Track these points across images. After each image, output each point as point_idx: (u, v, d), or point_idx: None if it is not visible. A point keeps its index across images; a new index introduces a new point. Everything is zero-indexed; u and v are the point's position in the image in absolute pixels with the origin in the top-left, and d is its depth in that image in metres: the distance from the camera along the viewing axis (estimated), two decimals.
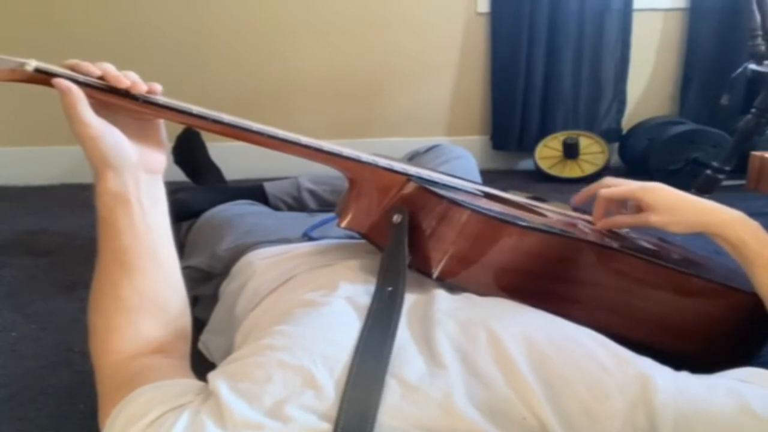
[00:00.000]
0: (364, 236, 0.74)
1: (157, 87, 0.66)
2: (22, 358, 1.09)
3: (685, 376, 0.53)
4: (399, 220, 0.68)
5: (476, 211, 0.66)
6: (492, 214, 0.67)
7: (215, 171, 1.68)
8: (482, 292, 0.65)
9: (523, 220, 0.69)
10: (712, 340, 0.73)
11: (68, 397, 0.96)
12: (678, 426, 0.47)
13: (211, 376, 0.53)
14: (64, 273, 1.43)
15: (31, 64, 0.61)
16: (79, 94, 0.60)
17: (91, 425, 0.92)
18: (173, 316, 0.66)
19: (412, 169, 0.75)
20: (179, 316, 0.67)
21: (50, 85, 0.62)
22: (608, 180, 0.82)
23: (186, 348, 0.67)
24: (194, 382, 0.56)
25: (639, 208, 0.77)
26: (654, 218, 0.74)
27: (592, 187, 0.83)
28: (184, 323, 0.68)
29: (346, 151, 0.74)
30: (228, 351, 0.67)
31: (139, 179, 0.64)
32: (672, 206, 0.74)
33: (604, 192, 0.80)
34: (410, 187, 0.71)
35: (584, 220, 0.85)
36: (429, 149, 1.33)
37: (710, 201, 0.75)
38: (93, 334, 0.64)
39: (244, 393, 0.49)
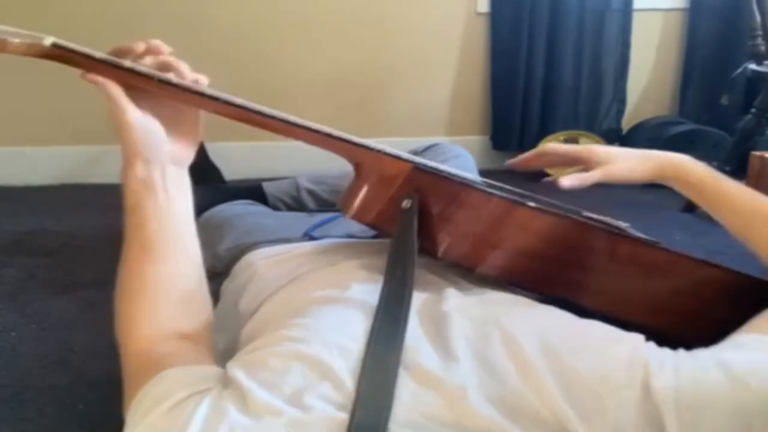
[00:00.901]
0: (371, 225, 0.74)
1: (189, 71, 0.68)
2: (22, 358, 1.09)
3: (682, 355, 0.53)
4: (408, 205, 0.68)
5: (486, 193, 0.67)
6: (502, 195, 0.68)
7: (214, 171, 1.68)
8: (490, 275, 0.66)
9: (533, 202, 0.69)
10: (714, 323, 0.73)
11: (68, 397, 0.97)
12: (680, 409, 0.47)
13: (229, 365, 0.54)
14: (64, 273, 1.43)
15: (49, 39, 0.61)
16: (114, 88, 0.62)
17: (91, 425, 0.92)
18: (197, 304, 0.68)
19: (418, 159, 0.76)
20: (202, 303, 0.69)
21: (66, 62, 0.62)
22: (550, 145, 0.85)
23: (209, 336, 0.68)
24: (218, 369, 0.57)
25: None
26: (614, 167, 0.77)
27: (532, 151, 0.86)
28: (207, 311, 0.69)
29: (355, 138, 0.74)
30: (227, 349, 0.68)
31: (166, 170, 0.66)
32: (621, 155, 0.78)
33: (550, 145, 0.84)
34: (418, 174, 0.72)
35: (580, 214, 0.85)
36: (427, 148, 1.33)
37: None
38: (119, 320, 0.65)
39: (263, 381, 0.50)
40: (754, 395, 0.47)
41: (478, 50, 2.31)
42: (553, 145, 0.84)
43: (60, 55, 0.62)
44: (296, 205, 1.40)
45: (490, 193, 0.67)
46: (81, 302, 1.29)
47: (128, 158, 0.64)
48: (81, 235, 1.67)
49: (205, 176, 1.63)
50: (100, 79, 0.62)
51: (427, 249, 0.67)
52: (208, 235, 1.10)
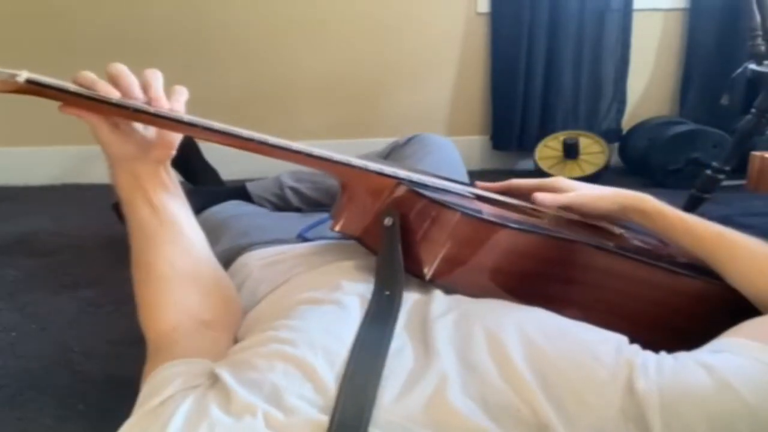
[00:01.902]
0: (357, 240, 0.75)
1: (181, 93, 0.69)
2: (22, 358, 1.09)
3: (665, 357, 0.53)
4: (390, 223, 0.68)
5: (466, 214, 0.66)
6: (482, 216, 0.67)
7: (211, 172, 1.68)
8: (475, 294, 0.65)
9: (514, 222, 0.69)
10: (700, 335, 0.74)
11: (68, 397, 0.97)
12: (665, 409, 0.47)
13: (216, 365, 0.55)
14: (64, 273, 1.44)
15: (23, 75, 0.61)
16: (92, 118, 0.65)
17: (92, 425, 0.93)
18: (208, 285, 0.70)
19: (402, 173, 0.75)
20: (215, 285, 0.71)
21: (42, 96, 0.63)
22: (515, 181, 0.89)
23: (229, 319, 0.70)
24: (212, 363, 0.58)
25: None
26: (583, 192, 0.82)
27: (500, 184, 0.89)
28: (223, 294, 0.72)
29: (337, 156, 0.74)
30: None
31: (146, 168, 0.70)
32: (585, 185, 0.84)
33: (516, 181, 0.88)
34: (401, 191, 0.71)
35: (573, 221, 0.85)
36: (409, 140, 1.33)
37: None
38: (139, 306, 0.69)
39: (246, 380, 0.50)
40: (737, 396, 0.47)
41: (478, 50, 2.31)
42: (516, 180, 0.89)
43: (36, 90, 0.62)
44: (282, 203, 1.39)
45: (470, 213, 0.66)
46: (81, 302, 1.29)
47: (111, 164, 0.70)
48: (81, 235, 1.67)
49: (201, 178, 1.63)
50: (78, 112, 0.64)
51: (411, 268, 0.66)
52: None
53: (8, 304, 1.29)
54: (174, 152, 0.70)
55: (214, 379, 0.52)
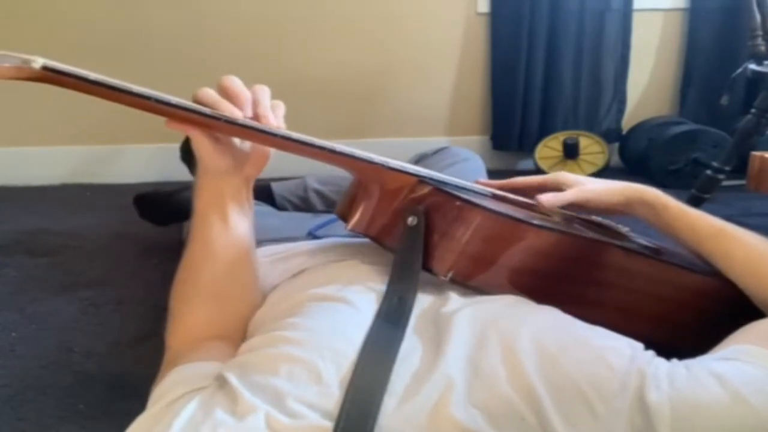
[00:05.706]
0: (372, 238, 0.73)
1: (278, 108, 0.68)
2: (22, 358, 1.09)
3: (677, 367, 0.52)
4: (414, 222, 0.66)
5: (490, 212, 0.66)
6: (506, 213, 0.67)
7: None
8: (496, 294, 0.65)
9: (537, 220, 0.69)
10: (712, 333, 0.74)
11: (68, 397, 0.97)
12: (675, 423, 0.47)
13: (224, 366, 0.54)
14: (64, 273, 1.43)
15: (38, 61, 0.59)
16: (198, 133, 0.64)
17: (91, 425, 0.93)
18: (244, 312, 0.69)
19: (423, 171, 0.75)
20: (253, 309, 0.70)
21: (59, 84, 0.61)
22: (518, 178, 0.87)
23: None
24: (220, 365, 0.57)
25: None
26: (587, 187, 0.80)
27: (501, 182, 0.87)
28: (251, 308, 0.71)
29: (358, 152, 0.73)
30: None
31: (234, 185, 0.69)
32: (589, 179, 0.82)
33: (518, 179, 0.87)
34: (423, 189, 0.70)
35: (580, 219, 0.85)
36: (436, 152, 1.33)
37: None
38: (172, 318, 0.69)
39: (251, 383, 0.50)
40: (752, 410, 0.47)
41: (478, 50, 2.31)
42: (520, 178, 0.87)
43: (52, 77, 0.60)
44: (304, 205, 1.39)
45: (495, 211, 0.66)
46: (81, 302, 1.29)
47: (201, 174, 0.68)
48: (81, 235, 1.67)
49: None
50: (181, 126, 0.63)
51: (432, 267, 0.66)
52: None
53: (8, 304, 1.29)
54: (264, 167, 0.71)
55: (222, 381, 0.52)
